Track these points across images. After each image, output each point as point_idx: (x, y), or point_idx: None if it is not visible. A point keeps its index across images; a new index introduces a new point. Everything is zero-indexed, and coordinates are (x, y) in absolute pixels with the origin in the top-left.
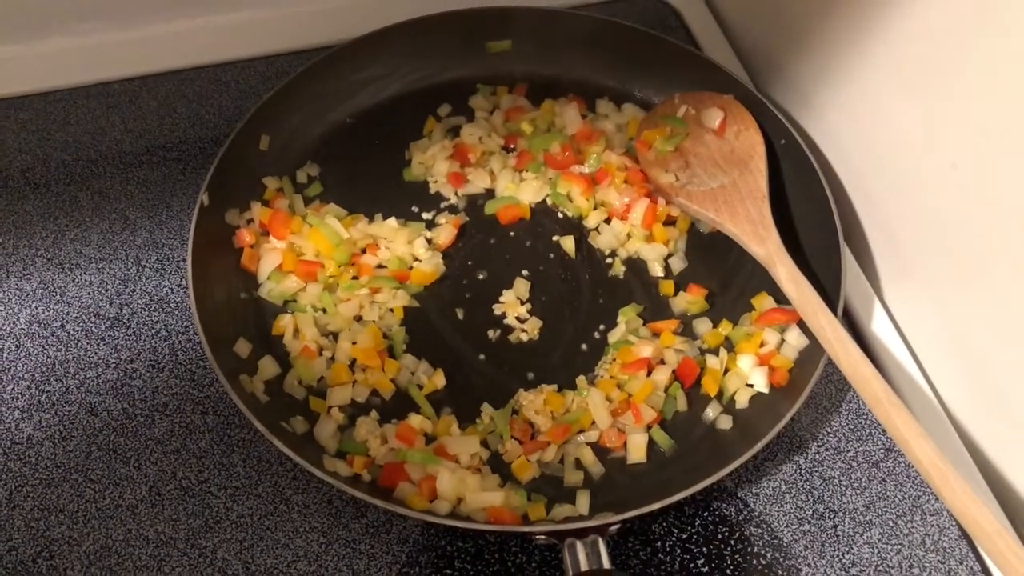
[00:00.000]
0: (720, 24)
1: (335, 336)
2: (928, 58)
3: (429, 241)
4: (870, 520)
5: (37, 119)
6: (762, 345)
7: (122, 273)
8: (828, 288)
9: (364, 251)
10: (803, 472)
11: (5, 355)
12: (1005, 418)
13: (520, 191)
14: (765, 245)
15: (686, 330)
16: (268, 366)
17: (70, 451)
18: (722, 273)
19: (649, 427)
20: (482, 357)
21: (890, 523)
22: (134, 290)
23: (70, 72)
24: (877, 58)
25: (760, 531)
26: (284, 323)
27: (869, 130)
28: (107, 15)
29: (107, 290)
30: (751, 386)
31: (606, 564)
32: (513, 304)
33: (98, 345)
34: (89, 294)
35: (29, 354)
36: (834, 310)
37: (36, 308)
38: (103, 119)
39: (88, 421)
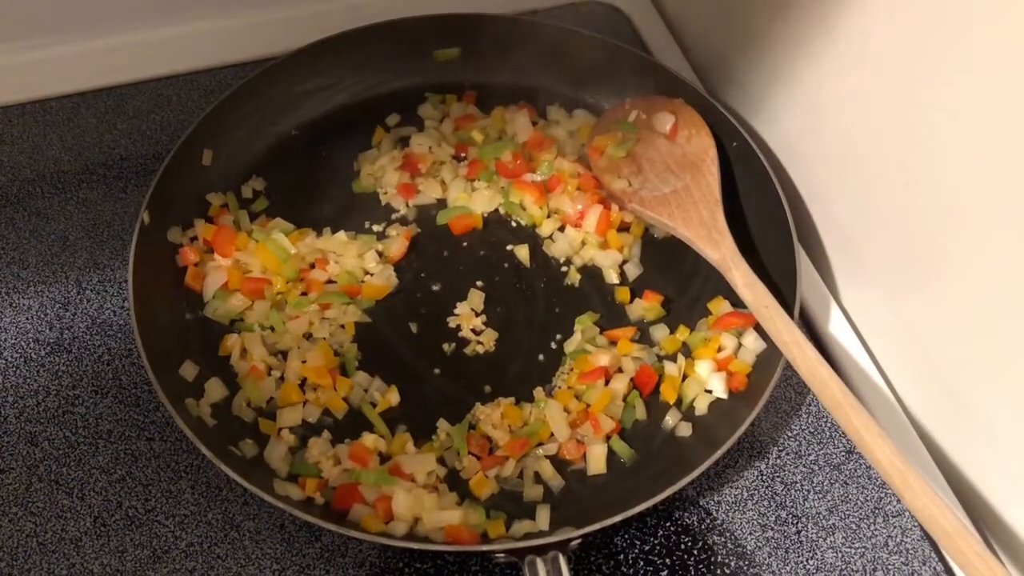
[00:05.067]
0: (670, 28)
1: (284, 355)
2: (874, 59)
3: (380, 254)
4: (833, 524)
5: None
6: (720, 350)
7: (62, 296)
8: (784, 290)
9: (313, 266)
10: (764, 478)
11: None
12: (964, 417)
13: (472, 201)
14: (719, 249)
15: (643, 337)
16: (215, 388)
17: (9, 484)
18: (678, 278)
19: (608, 437)
20: (437, 372)
21: (853, 526)
22: (75, 314)
23: (4, 89)
24: (825, 60)
25: (723, 539)
26: (231, 343)
27: (820, 131)
28: (42, 31)
29: (46, 314)
30: (710, 392)
31: None
32: (468, 316)
33: (38, 372)
34: (27, 319)
35: None
36: (790, 312)
37: None
38: (40, 137)
39: (28, 451)
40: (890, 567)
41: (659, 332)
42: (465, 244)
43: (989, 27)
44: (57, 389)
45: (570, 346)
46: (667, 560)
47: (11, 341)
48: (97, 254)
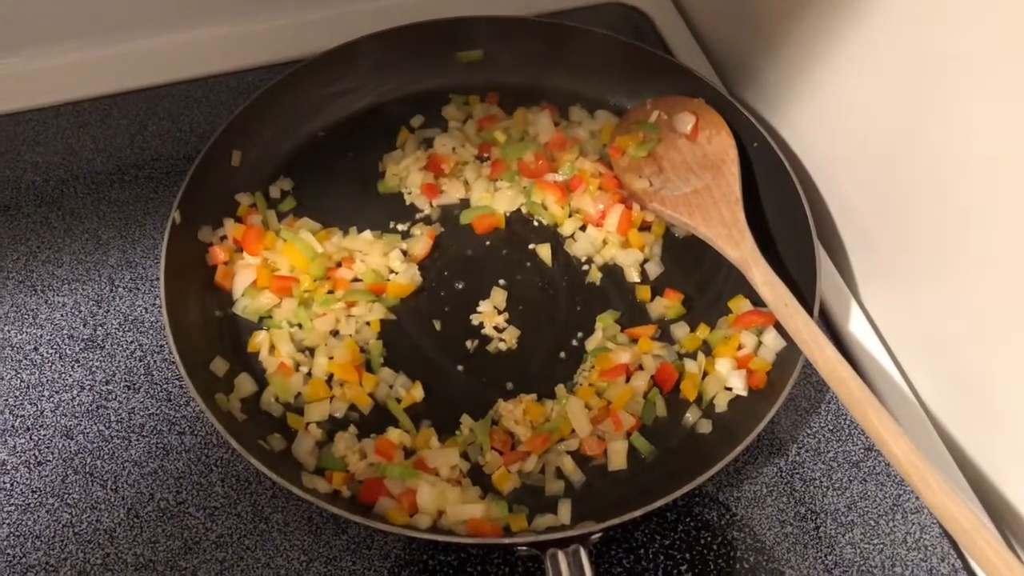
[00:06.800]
0: (691, 29)
1: (311, 351)
2: (893, 58)
3: (405, 253)
4: (852, 520)
5: (6, 140)
6: (740, 348)
7: (95, 294)
8: (804, 289)
9: (339, 265)
10: (784, 474)
11: None
12: (983, 415)
13: (495, 200)
14: (740, 248)
15: (664, 335)
16: (244, 384)
17: (46, 475)
18: (698, 277)
19: (629, 434)
20: (460, 368)
21: (872, 523)
22: (108, 311)
23: (39, 92)
24: (845, 60)
25: (743, 535)
26: (260, 340)
27: (840, 131)
28: (76, 34)
29: (80, 311)
30: (730, 389)
31: (588, 574)
32: (490, 314)
33: (72, 367)
34: (62, 316)
35: (2, 378)
36: (810, 311)
37: (8, 332)
38: (73, 139)
39: (63, 445)
40: (908, 563)
41: (680, 330)
42: (488, 243)
43: (1006, 25)
44: (91, 384)
45: (591, 344)
46: (687, 555)
47: (47, 338)
48: (129, 253)
